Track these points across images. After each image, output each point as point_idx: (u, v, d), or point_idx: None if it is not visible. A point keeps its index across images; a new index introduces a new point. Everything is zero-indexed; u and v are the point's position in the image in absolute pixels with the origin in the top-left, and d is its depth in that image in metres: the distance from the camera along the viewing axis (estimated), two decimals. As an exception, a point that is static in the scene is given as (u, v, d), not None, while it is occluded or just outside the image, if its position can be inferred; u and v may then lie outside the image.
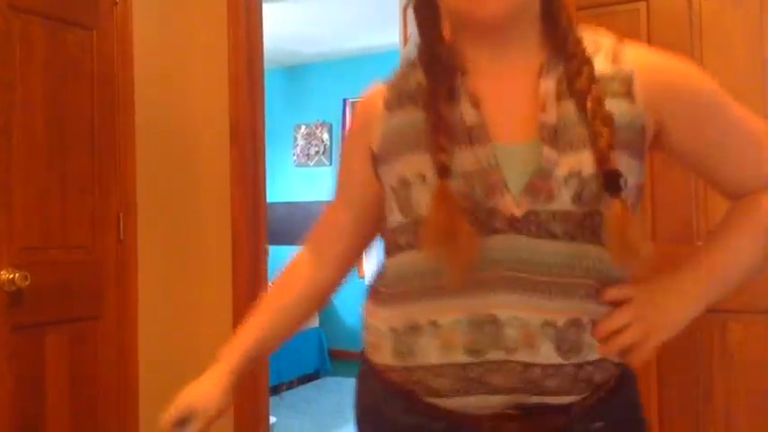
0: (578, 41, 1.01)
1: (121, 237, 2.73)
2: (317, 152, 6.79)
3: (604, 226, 0.94)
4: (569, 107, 0.98)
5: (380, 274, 1.10)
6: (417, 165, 1.00)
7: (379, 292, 1.08)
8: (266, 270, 3.08)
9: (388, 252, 1.07)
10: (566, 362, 0.96)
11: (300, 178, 6.83)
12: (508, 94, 1.01)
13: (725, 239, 1.06)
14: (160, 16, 2.94)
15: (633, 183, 0.98)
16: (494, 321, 0.95)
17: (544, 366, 0.95)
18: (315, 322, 5.78)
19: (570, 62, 1.00)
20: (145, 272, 2.80)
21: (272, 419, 3.74)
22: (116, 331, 2.70)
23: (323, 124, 6.76)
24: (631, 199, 0.98)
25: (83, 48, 2.63)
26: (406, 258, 1.03)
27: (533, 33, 1.03)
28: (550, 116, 0.97)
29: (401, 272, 1.04)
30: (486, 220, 0.96)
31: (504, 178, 0.96)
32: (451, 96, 1.02)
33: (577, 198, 0.94)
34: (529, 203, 0.95)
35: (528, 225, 0.95)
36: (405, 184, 1.01)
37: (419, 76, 1.06)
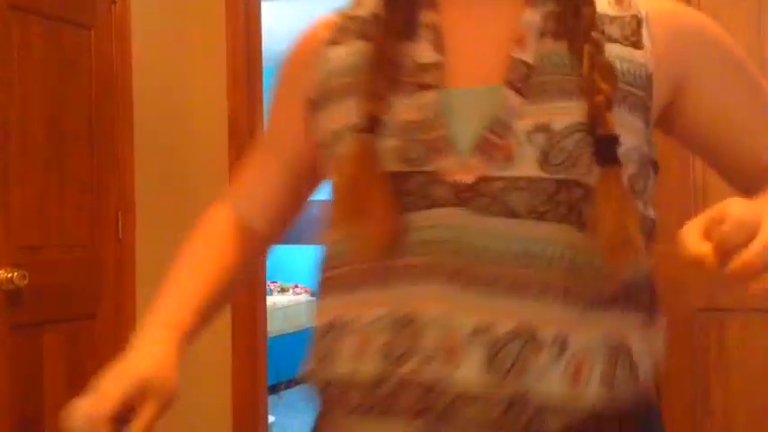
0: None
1: (120, 236, 2.73)
2: (315, 151, 6.78)
3: (592, 203, 0.72)
4: (557, 49, 0.77)
5: (322, 257, 0.86)
6: (348, 115, 0.80)
7: (320, 281, 0.85)
8: (264, 268, 3.08)
9: (328, 227, 0.84)
10: (494, 388, 0.69)
11: (299, 177, 6.82)
12: (482, 28, 0.81)
13: None
14: (158, 15, 2.94)
15: (633, 147, 0.76)
16: (412, 321, 0.72)
17: (461, 391, 0.69)
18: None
19: None
20: (143, 271, 2.79)
21: (271, 419, 3.74)
22: (114, 330, 2.70)
23: (321, 123, 6.75)
24: (632, 170, 0.76)
25: (81, 47, 2.63)
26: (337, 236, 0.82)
27: None
28: (526, 53, 0.76)
29: (333, 252, 0.82)
30: (422, 190, 0.74)
31: (447, 133, 0.75)
32: (408, 29, 0.81)
33: (544, 160, 0.72)
34: (481, 167, 0.73)
35: (478, 196, 0.72)
36: (335, 138, 0.81)
37: (376, 4, 0.85)
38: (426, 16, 0.81)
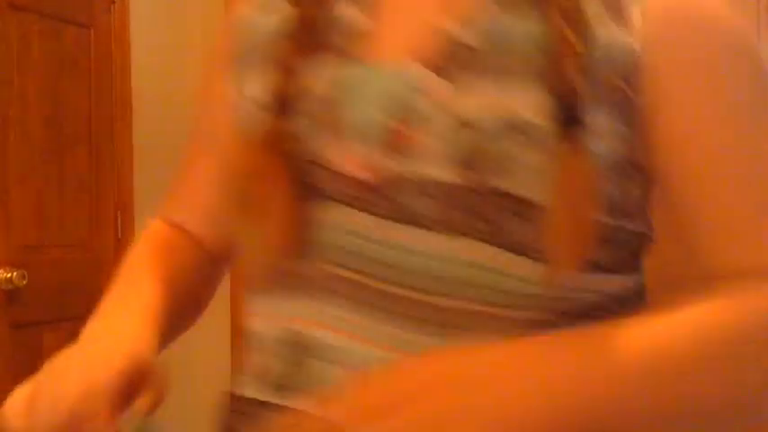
0: None
1: (119, 235, 2.73)
2: (314, 151, 6.79)
3: (528, 218, 0.56)
4: (516, 23, 0.60)
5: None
6: (255, 88, 0.68)
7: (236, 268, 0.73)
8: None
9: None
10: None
11: (298, 177, 6.83)
12: None
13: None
14: (157, 14, 2.94)
15: (611, 149, 0.58)
16: (298, 343, 0.62)
17: None
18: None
19: None
20: (142, 270, 2.79)
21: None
22: (114, 330, 2.70)
23: (320, 123, 6.76)
24: (605, 175, 0.58)
25: (80, 46, 2.63)
26: None
27: None
28: (464, 25, 0.60)
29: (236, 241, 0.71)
30: (322, 182, 0.62)
31: (342, 118, 0.62)
32: None
33: (467, 163, 0.57)
34: (383, 162, 0.60)
35: (377, 198, 0.59)
36: (240, 113, 0.70)
37: None
38: None
